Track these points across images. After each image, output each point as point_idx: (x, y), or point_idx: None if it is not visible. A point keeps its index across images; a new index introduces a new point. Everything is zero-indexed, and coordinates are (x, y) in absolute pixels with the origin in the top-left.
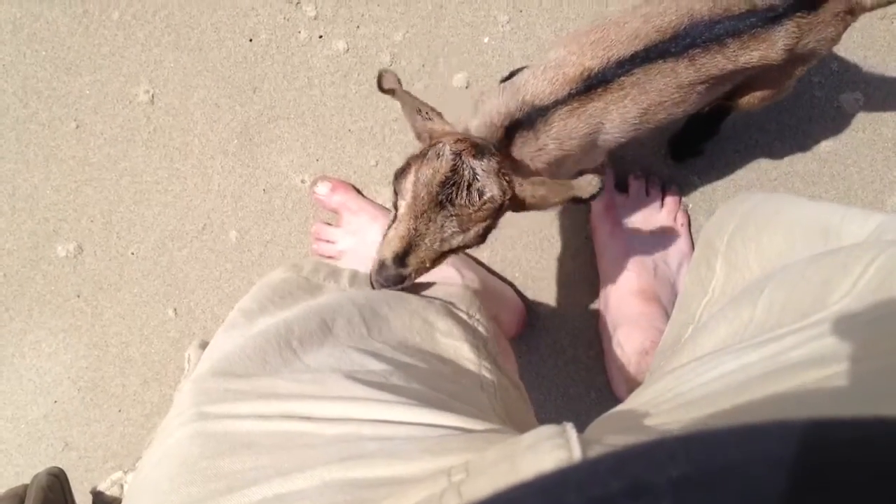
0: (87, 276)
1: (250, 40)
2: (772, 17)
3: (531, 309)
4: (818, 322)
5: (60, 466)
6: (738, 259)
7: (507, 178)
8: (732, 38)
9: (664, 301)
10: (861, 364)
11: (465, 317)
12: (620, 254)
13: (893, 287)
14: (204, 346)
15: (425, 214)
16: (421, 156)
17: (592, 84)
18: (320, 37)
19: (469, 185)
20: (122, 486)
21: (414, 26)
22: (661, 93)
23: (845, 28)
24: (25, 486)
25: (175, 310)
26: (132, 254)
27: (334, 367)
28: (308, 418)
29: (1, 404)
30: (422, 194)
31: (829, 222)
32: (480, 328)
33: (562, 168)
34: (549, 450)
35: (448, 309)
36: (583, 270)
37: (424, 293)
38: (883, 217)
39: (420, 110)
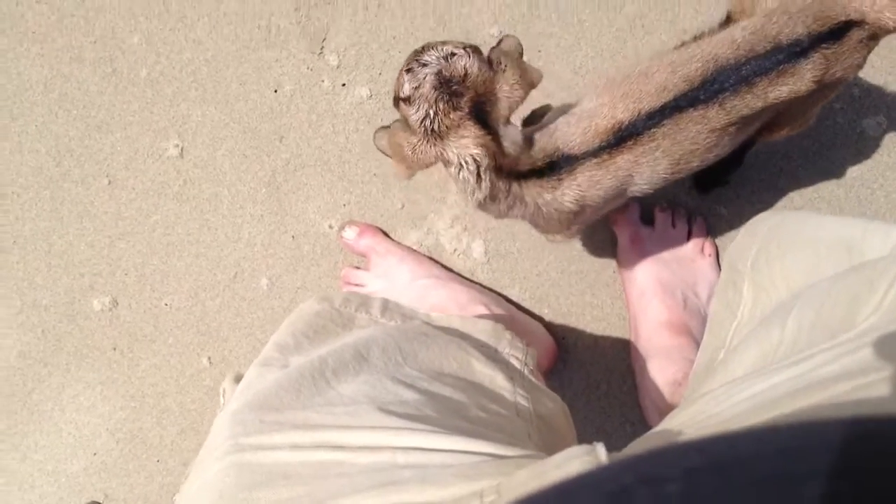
0: (122, 328)
1: (275, 91)
2: (798, 52)
3: (562, 345)
4: (847, 340)
5: (99, 501)
6: (763, 280)
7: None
8: (760, 77)
9: (694, 332)
10: (892, 374)
11: (496, 353)
12: (648, 286)
13: None
14: (238, 378)
15: None
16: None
17: (623, 136)
18: (343, 85)
19: None
20: None
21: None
22: (694, 141)
23: (869, 53)
24: None
25: (209, 358)
26: (166, 305)
27: (369, 394)
28: (342, 448)
29: (41, 459)
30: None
31: (851, 238)
32: (514, 361)
33: (579, 217)
34: (577, 466)
35: (481, 345)
36: (612, 304)
37: (456, 332)
38: None
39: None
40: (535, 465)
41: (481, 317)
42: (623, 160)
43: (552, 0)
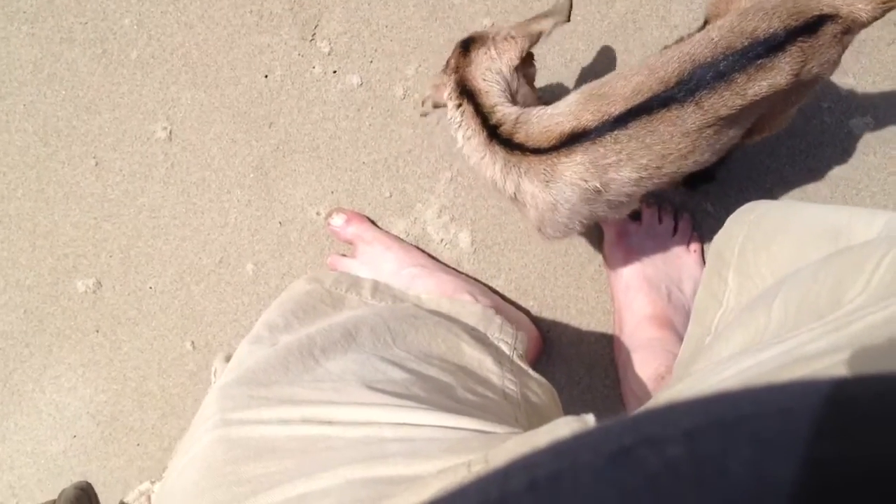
0: (105, 310)
1: (266, 76)
2: (775, 46)
3: (546, 338)
4: (834, 319)
5: (87, 482)
6: (749, 269)
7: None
8: (739, 73)
9: (678, 326)
10: (877, 351)
11: (485, 337)
12: (634, 281)
13: None
14: (228, 358)
15: None
16: None
17: (578, 139)
18: (334, 72)
19: None
20: (149, 497)
21: (426, 60)
22: (666, 144)
23: (844, 49)
24: (53, 501)
25: (193, 343)
26: (150, 288)
27: (356, 372)
28: (329, 422)
29: (21, 440)
30: None
31: (836, 224)
32: (503, 346)
33: (556, 214)
34: (567, 432)
35: (470, 329)
36: (597, 298)
37: (445, 315)
38: (889, 214)
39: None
40: (524, 434)
41: (470, 304)
42: (573, 163)
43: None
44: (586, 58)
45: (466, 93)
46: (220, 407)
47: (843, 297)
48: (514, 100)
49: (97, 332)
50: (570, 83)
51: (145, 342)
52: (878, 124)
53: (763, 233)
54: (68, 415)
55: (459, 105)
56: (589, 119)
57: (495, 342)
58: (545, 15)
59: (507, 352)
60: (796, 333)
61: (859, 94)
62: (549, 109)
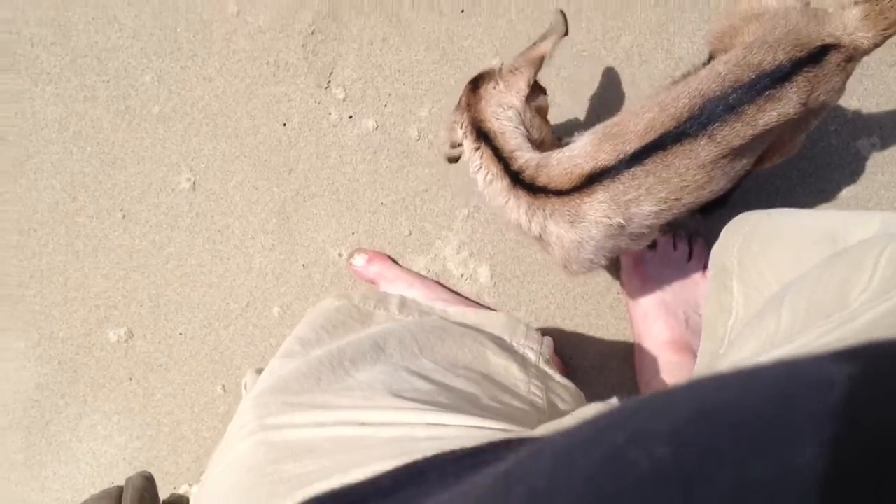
0: (137, 358)
1: (284, 124)
2: (781, 77)
3: (568, 365)
4: (840, 317)
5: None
6: (752, 277)
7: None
8: (748, 105)
9: (697, 350)
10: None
11: (511, 345)
12: (652, 307)
13: None
14: (259, 372)
15: None
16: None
17: (599, 178)
18: (350, 117)
19: None
20: (188, 499)
21: (438, 101)
22: (682, 177)
23: (848, 76)
24: (119, 488)
25: (223, 386)
26: (180, 334)
27: (384, 382)
28: (363, 424)
29: (59, 488)
30: None
31: (833, 228)
32: (530, 352)
33: (581, 252)
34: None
35: (495, 338)
36: (617, 325)
37: (471, 326)
38: (884, 214)
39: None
40: (551, 423)
41: (495, 314)
42: (596, 202)
43: None
44: (595, 93)
45: (483, 135)
46: (257, 414)
47: (848, 296)
48: (529, 135)
49: (130, 380)
50: (580, 117)
51: (177, 388)
52: (885, 144)
53: (759, 241)
54: (105, 462)
55: (477, 148)
56: (606, 158)
57: (521, 349)
58: (543, 38)
59: (533, 358)
60: (805, 333)
61: (864, 115)
62: (567, 152)
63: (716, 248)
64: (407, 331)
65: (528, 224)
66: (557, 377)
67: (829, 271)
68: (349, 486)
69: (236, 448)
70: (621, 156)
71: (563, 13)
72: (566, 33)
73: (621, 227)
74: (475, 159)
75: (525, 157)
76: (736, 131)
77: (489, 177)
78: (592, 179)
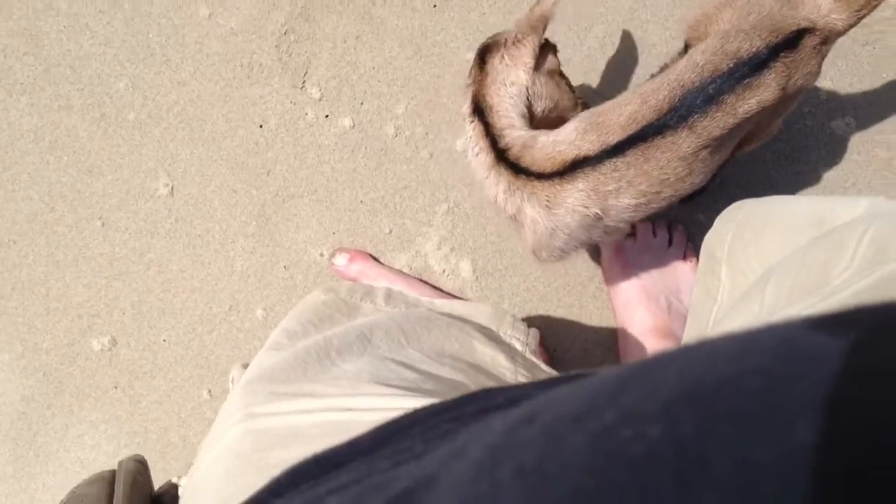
0: (122, 366)
1: (260, 126)
2: (759, 63)
3: (553, 356)
4: (821, 293)
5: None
6: (740, 263)
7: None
8: (728, 94)
9: (680, 336)
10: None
11: (498, 335)
12: (633, 295)
13: (889, 250)
14: (246, 366)
15: None
16: None
17: (579, 166)
18: (326, 116)
19: None
20: (178, 489)
21: (414, 98)
22: (664, 169)
23: (823, 59)
24: (113, 472)
25: (209, 391)
26: (164, 341)
27: (371, 372)
28: (349, 409)
29: (49, 500)
30: None
31: (820, 213)
32: (516, 342)
33: (553, 239)
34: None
35: (482, 328)
36: (600, 315)
37: (458, 317)
38: (870, 199)
39: None
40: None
41: (481, 305)
42: (575, 190)
43: None
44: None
45: (478, 110)
46: (245, 402)
47: (830, 275)
48: (531, 109)
49: (116, 388)
50: None
51: (163, 394)
52: (859, 124)
53: (751, 228)
54: (94, 471)
55: (472, 122)
56: (589, 148)
57: (507, 339)
58: (538, 2)
59: (520, 348)
60: (787, 311)
61: (838, 95)
62: (552, 136)
63: (708, 236)
64: (393, 322)
65: (504, 202)
66: (544, 367)
67: (812, 252)
68: (330, 449)
69: (224, 437)
70: (604, 146)
71: None
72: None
73: (598, 217)
74: (468, 131)
75: (514, 134)
76: (716, 121)
77: (476, 149)
78: (574, 167)
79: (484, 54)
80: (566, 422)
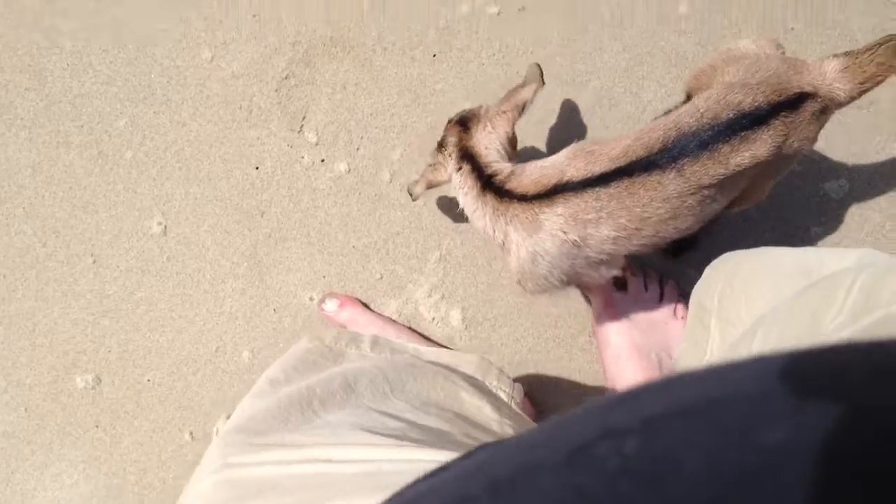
0: (105, 405)
1: (257, 168)
2: (759, 118)
3: (542, 410)
4: (812, 341)
5: None
6: (729, 314)
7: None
8: (723, 144)
9: None
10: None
11: (484, 385)
12: (624, 350)
13: (880, 297)
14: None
15: None
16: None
17: (560, 191)
18: (322, 160)
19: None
20: None
21: (410, 144)
22: (645, 207)
23: (821, 127)
24: None
25: (191, 433)
26: (148, 381)
27: (354, 423)
28: (328, 461)
29: None
30: None
31: (807, 265)
32: (502, 394)
33: (535, 266)
34: None
35: (469, 378)
36: (589, 368)
37: (444, 365)
38: (860, 251)
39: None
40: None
41: (468, 354)
42: (553, 214)
43: (521, 76)
44: (564, 135)
45: (467, 157)
46: (221, 453)
47: (820, 325)
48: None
49: (97, 427)
50: None
51: (144, 435)
52: (853, 186)
53: (740, 279)
54: None
55: (459, 168)
56: (573, 174)
57: (493, 390)
58: (522, 86)
59: (506, 399)
60: None
61: (831, 158)
62: (541, 162)
63: (697, 287)
64: (378, 370)
65: (492, 229)
66: (530, 421)
67: (800, 303)
68: None
69: (198, 486)
70: (588, 174)
71: (538, 66)
72: (543, 84)
73: (576, 245)
74: (457, 179)
75: (500, 165)
76: (706, 169)
77: (466, 189)
78: (556, 191)
79: (465, 123)
80: (543, 442)
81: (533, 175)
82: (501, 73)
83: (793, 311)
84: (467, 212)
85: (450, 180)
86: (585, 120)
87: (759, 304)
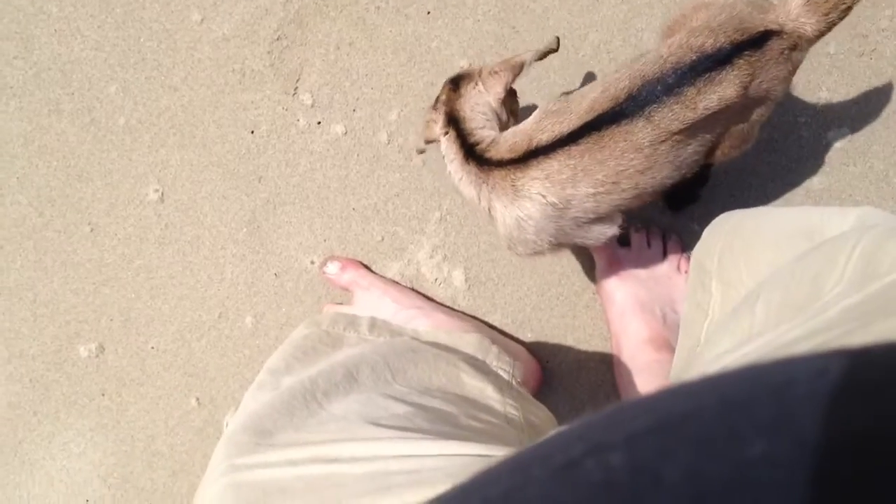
0: (109, 374)
1: (252, 132)
2: (722, 59)
3: (546, 368)
4: (814, 310)
5: None
6: (731, 276)
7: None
8: (688, 87)
9: (674, 348)
10: (853, 331)
11: (484, 365)
12: (628, 306)
13: (880, 265)
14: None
15: None
16: None
17: (533, 154)
18: (318, 123)
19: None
20: None
21: (407, 105)
22: (619, 160)
23: (794, 67)
24: None
25: (198, 399)
26: (152, 348)
27: (360, 412)
28: (336, 460)
29: None
30: None
31: (810, 225)
32: (502, 373)
33: (521, 232)
34: None
35: (469, 358)
36: (594, 325)
37: (444, 347)
38: (860, 210)
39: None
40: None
41: (468, 334)
42: (529, 178)
43: (518, 32)
44: (563, 90)
45: (453, 121)
46: (227, 454)
47: (822, 290)
48: (500, 124)
49: (103, 395)
50: None
51: (151, 402)
52: (855, 135)
53: (741, 240)
54: (79, 480)
55: (446, 133)
56: (542, 136)
57: (494, 370)
58: (527, 51)
59: (507, 378)
60: (778, 328)
61: (834, 106)
62: (515, 128)
63: (697, 248)
64: (379, 356)
65: (477, 199)
66: (532, 399)
67: (802, 266)
68: None
69: (208, 492)
70: (557, 135)
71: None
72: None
73: (558, 208)
74: (443, 143)
75: (484, 133)
76: (675, 114)
77: (451, 156)
78: (528, 155)
79: (457, 82)
80: (534, 460)
81: (509, 141)
82: (497, 28)
83: (794, 275)
84: (454, 180)
85: (439, 141)
86: (584, 74)
87: (761, 267)
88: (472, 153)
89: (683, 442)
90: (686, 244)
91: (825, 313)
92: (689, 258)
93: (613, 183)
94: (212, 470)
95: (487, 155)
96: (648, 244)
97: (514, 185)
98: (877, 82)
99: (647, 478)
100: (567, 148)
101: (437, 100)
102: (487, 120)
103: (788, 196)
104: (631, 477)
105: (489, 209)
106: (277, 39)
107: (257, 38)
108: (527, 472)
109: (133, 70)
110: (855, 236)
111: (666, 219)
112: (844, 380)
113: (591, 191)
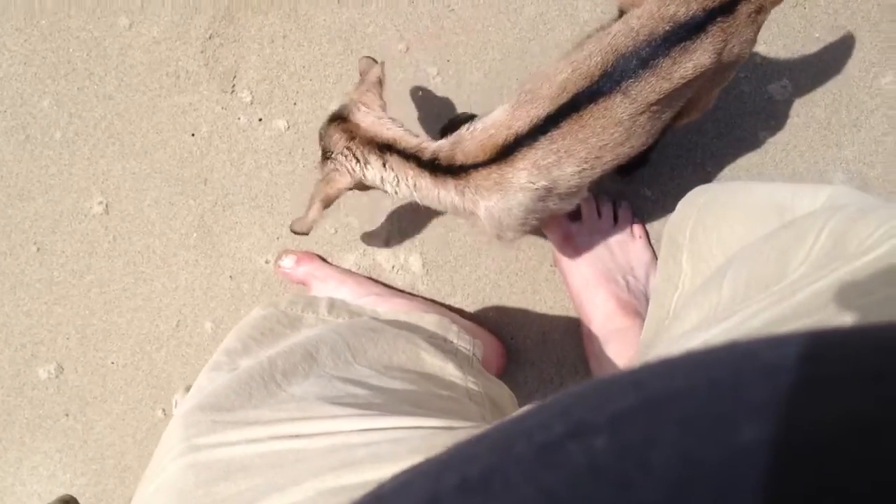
0: (71, 393)
1: (192, 135)
2: (695, 27)
3: (511, 345)
4: (778, 290)
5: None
6: (702, 250)
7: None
8: (663, 58)
9: (642, 312)
10: (819, 320)
11: (444, 342)
12: (591, 278)
13: (848, 245)
14: (188, 389)
15: None
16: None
17: (515, 146)
18: (260, 119)
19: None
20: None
21: (347, 94)
22: (600, 136)
23: (759, 28)
24: None
25: (164, 410)
26: (112, 363)
27: (319, 394)
28: (297, 436)
29: None
30: None
31: (781, 201)
32: (463, 350)
33: (511, 218)
34: None
35: (429, 336)
36: (554, 298)
37: (404, 324)
38: (832, 188)
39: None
40: (483, 424)
41: (426, 314)
42: (517, 170)
43: (453, 11)
44: (505, 67)
45: (384, 147)
46: (185, 434)
47: (787, 268)
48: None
49: (67, 416)
50: (495, 96)
51: (116, 418)
52: (796, 86)
53: (713, 215)
54: None
55: (385, 162)
56: (520, 126)
57: (454, 347)
58: (368, 67)
59: (467, 354)
60: (744, 306)
61: (773, 59)
62: (479, 125)
63: (670, 221)
64: (339, 336)
65: (461, 203)
66: (492, 377)
67: (770, 243)
68: None
69: (165, 470)
70: (535, 121)
71: (368, 58)
72: (377, 62)
73: (547, 189)
74: (388, 173)
75: (432, 146)
76: (651, 86)
77: (410, 180)
78: (510, 148)
79: (340, 117)
80: (514, 437)
81: (477, 138)
82: (432, 8)
83: (762, 252)
84: (425, 202)
85: (371, 180)
86: (522, 49)
87: (731, 242)
88: (437, 168)
89: (670, 424)
90: (638, 208)
91: (792, 298)
92: (641, 222)
93: (596, 157)
94: (167, 451)
95: (458, 162)
96: (599, 214)
97: (501, 181)
98: (812, 32)
99: (634, 462)
100: (548, 133)
101: (325, 150)
102: (408, 132)
103: (734, 151)
104: (617, 461)
105: (474, 209)
106: (210, 38)
107: (189, 39)
108: (507, 451)
109: (65, 81)
110: (825, 216)
111: (615, 186)
112: (838, 362)
113: (577, 168)
